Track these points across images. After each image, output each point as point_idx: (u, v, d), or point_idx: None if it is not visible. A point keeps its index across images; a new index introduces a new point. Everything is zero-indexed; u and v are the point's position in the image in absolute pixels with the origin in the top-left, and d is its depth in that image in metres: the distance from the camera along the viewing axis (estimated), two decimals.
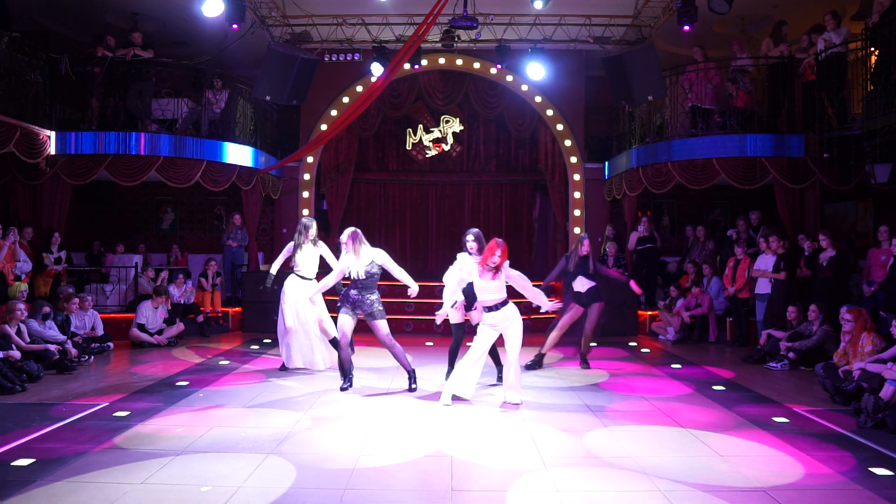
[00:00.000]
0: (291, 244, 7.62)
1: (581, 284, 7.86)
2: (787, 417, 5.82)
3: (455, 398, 6.17)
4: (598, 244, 11.30)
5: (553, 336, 7.88)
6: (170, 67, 10.67)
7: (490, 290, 5.98)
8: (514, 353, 6.11)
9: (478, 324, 6.36)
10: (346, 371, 6.78)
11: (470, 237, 6.74)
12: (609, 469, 4.51)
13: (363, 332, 11.16)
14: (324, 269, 7.52)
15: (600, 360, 8.43)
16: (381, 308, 6.64)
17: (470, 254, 6.68)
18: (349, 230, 6.64)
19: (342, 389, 6.66)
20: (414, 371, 6.78)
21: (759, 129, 9.90)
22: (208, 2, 9.17)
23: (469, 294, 6.42)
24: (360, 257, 6.55)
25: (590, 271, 7.84)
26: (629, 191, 11.29)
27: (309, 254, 7.55)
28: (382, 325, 6.60)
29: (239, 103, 11.17)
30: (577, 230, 12.45)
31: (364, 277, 6.54)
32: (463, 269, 6.32)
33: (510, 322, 6.07)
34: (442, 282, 6.79)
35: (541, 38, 11.32)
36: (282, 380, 7.24)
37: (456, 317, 6.73)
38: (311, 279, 7.55)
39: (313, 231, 7.56)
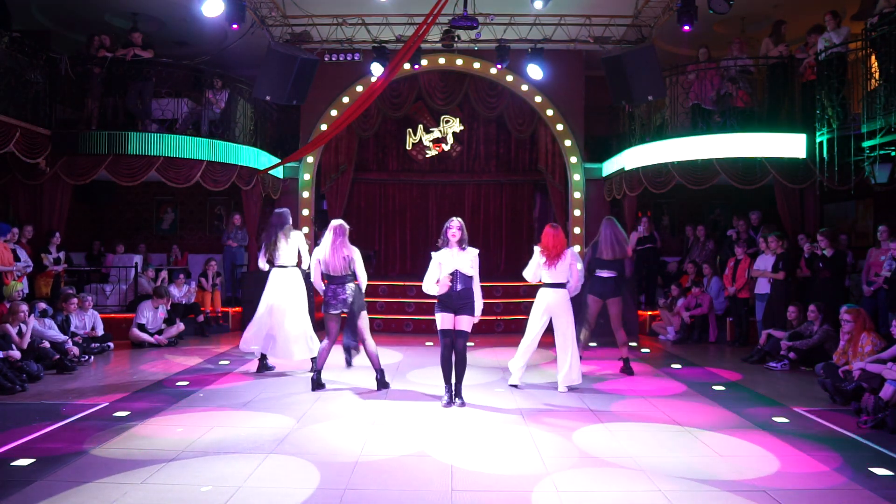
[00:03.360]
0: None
1: (606, 272, 7.68)
2: (787, 417, 5.82)
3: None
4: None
5: (584, 334, 7.70)
6: (170, 67, 10.65)
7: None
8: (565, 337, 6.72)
9: (459, 330, 6.13)
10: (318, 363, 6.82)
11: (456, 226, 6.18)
12: (609, 469, 4.51)
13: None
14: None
15: (601, 360, 8.43)
16: (362, 303, 6.66)
17: (448, 245, 6.11)
18: (341, 223, 6.65)
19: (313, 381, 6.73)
20: (383, 371, 6.85)
21: (760, 129, 9.90)
22: (208, 2, 9.16)
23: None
24: (338, 251, 6.55)
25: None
26: (629, 191, 11.29)
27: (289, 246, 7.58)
28: (364, 319, 6.64)
29: (239, 103, 11.16)
30: (577, 230, 12.47)
31: (342, 272, 6.53)
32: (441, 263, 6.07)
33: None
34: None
35: (541, 38, 11.32)
36: (282, 378, 7.24)
37: (441, 321, 6.10)
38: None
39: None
